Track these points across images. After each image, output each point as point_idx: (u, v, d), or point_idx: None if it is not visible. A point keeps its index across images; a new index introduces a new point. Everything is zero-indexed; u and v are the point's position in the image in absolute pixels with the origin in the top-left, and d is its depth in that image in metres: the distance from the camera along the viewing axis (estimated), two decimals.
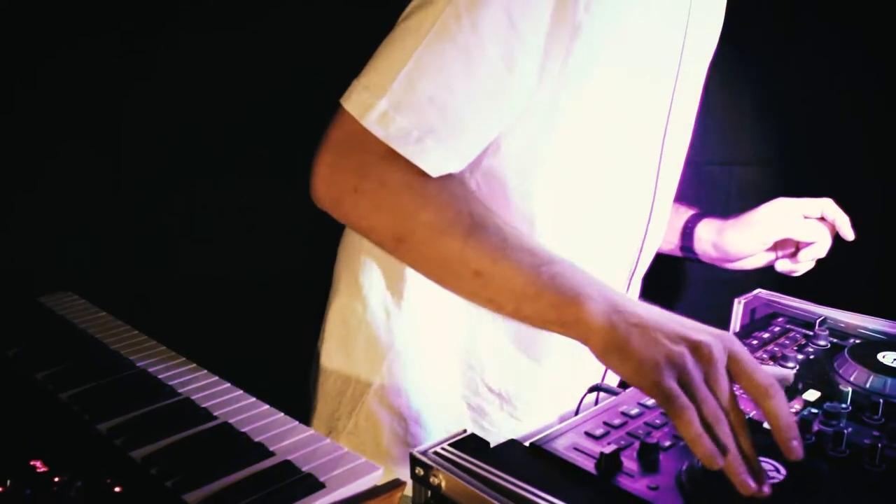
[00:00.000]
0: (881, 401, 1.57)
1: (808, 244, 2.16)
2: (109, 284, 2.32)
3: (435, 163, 1.57)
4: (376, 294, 2.02)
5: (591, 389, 1.77)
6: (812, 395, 1.65)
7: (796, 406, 1.61)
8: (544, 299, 1.45)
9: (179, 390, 1.66)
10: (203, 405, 1.60)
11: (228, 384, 1.69)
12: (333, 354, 2.12)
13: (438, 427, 1.99)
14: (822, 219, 2.15)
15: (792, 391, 1.66)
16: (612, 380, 1.88)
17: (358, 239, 2.05)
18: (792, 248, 2.21)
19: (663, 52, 1.78)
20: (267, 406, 1.60)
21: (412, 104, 1.55)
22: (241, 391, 1.66)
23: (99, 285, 2.16)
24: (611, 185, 1.87)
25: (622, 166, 1.87)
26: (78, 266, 2.57)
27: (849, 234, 2.14)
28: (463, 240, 1.52)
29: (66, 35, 2.55)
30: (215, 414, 1.57)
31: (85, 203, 2.65)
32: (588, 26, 1.59)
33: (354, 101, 1.57)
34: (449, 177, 1.61)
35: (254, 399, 1.63)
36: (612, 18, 1.64)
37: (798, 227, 2.14)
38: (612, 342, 1.36)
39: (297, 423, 1.54)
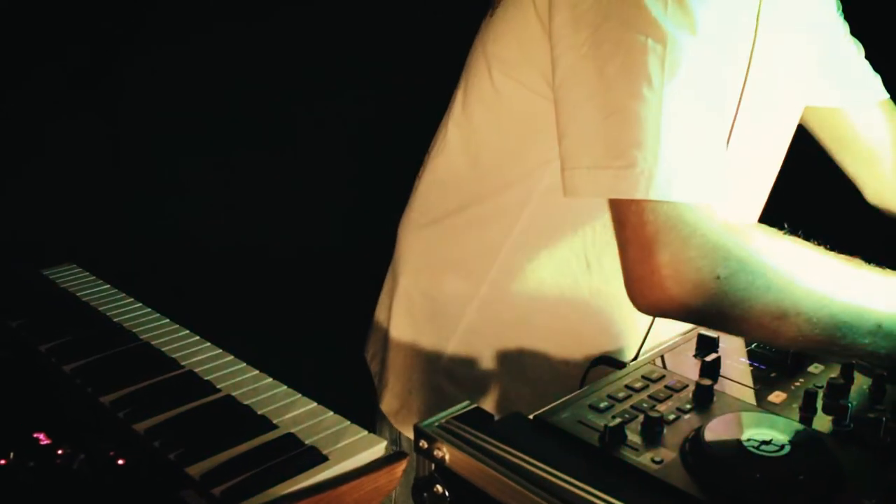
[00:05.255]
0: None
1: None
2: (113, 257, 2.32)
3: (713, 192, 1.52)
4: (450, 275, 2.02)
5: (595, 362, 1.76)
6: (816, 368, 1.65)
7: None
8: None
9: (182, 363, 1.66)
10: (206, 378, 1.60)
11: (231, 357, 1.69)
12: (402, 330, 2.13)
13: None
14: None
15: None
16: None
17: (420, 216, 2.06)
18: None
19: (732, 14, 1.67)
20: (270, 379, 1.60)
21: (686, 154, 1.47)
22: (245, 364, 1.66)
23: (102, 258, 2.16)
24: None
25: None
26: (81, 238, 2.57)
27: None
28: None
29: (72, 11, 2.54)
30: (218, 387, 1.57)
31: (88, 176, 2.65)
32: None
33: (632, 185, 1.45)
34: None
35: (257, 372, 1.63)
36: None
37: None
38: None
39: (300, 395, 1.54)
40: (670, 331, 1.80)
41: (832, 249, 1.59)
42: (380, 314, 2.23)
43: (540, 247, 1.89)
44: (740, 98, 1.65)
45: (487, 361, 1.99)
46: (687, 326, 1.78)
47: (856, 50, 2.16)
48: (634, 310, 1.52)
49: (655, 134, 1.43)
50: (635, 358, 1.76)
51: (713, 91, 1.52)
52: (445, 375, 2.03)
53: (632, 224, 1.47)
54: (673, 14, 1.44)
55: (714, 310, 1.47)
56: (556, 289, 1.91)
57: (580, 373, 1.82)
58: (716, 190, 1.49)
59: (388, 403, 2.13)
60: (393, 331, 2.14)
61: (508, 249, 1.90)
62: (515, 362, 1.98)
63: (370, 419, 2.17)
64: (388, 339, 2.15)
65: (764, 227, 1.58)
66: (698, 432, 1.32)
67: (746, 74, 1.66)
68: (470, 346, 2.00)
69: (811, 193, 2.31)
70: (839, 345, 1.50)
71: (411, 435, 2.04)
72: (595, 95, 1.49)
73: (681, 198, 1.44)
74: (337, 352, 2.55)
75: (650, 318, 1.81)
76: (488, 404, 1.98)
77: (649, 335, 1.83)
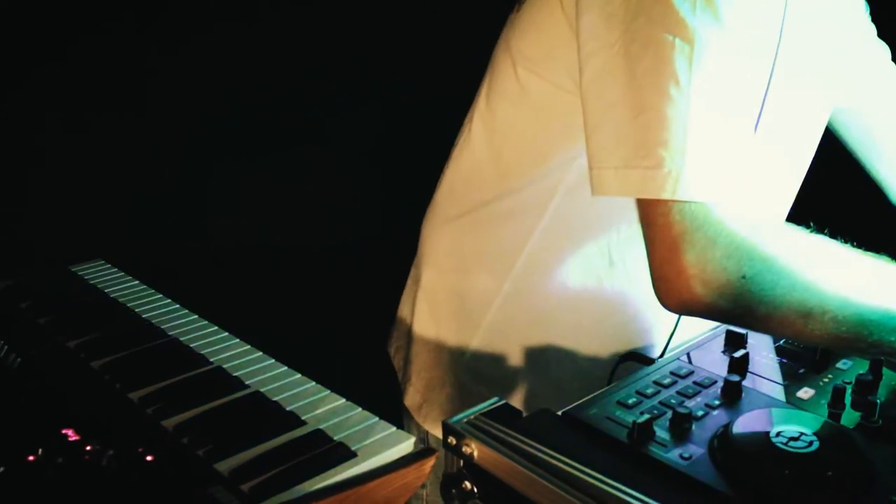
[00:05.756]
0: None
1: None
2: (142, 253, 2.32)
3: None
4: (473, 270, 2.02)
5: (624, 359, 1.76)
6: (845, 364, 1.64)
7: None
8: None
9: (211, 359, 1.66)
10: (235, 374, 1.60)
11: (260, 353, 1.69)
12: (425, 326, 2.13)
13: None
14: None
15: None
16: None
17: (443, 211, 2.07)
18: None
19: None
20: (299, 375, 1.60)
21: (713, 154, 1.46)
22: (273, 360, 1.66)
23: (131, 254, 2.17)
24: None
25: None
26: (110, 235, 2.58)
27: None
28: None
29: (99, 7, 2.55)
30: (247, 383, 1.57)
31: (118, 172, 2.66)
32: None
33: (659, 186, 1.45)
34: None
35: (285, 368, 1.63)
36: None
37: None
38: None
39: (328, 392, 1.54)
40: (697, 328, 1.80)
41: (858, 248, 1.58)
42: (403, 309, 2.24)
43: (564, 244, 1.89)
44: (765, 96, 1.65)
45: (511, 358, 1.99)
46: (714, 323, 1.78)
47: (883, 52, 2.15)
48: (658, 307, 1.51)
49: (682, 134, 1.43)
50: (662, 354, 1.76)
51: (740, 90, 1.52)
52: (468, 371, 2.03)
53: (658, 224, 1.46)
54: (701, 13, 1.43)
55: (740, 309, 1.47)
56: (579, 286, 1.91)
57: (603, 371, 1.82)
58: (742, 189, 1.48)
59: (411, 398, 2.14)
60: (416, 326, 2.14)
61: (532, 246, 1.90)
62: (539, 359, 1.98)
63: (397, 415, 2.17)
64: (411, 335, 2.16)
65: (791, 225, 1.57)
66: (727, 428, 1.32)
67: (771, 72, 1.65)
68: (493, 343, 2.00)
69: (837, 194, 2.30)
70: (866, 342, 1.50)
71: (433, 429, 2.05)
72: (624, 95, 1.48)
73: (707, 198, 1.44)
74: (363, 348, 2.55)
75: (674, 316, 1.81)
76: (512, 401, 1.98)
77: (676, 332, 1.83)
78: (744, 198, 1.48)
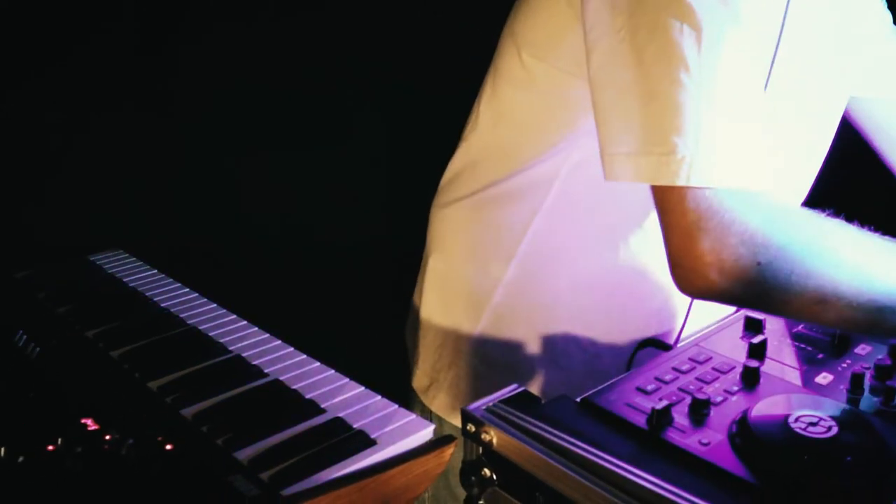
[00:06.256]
0: None
1: None
2: (160, 242, 2.33)
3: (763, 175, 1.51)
4: (478, 253, 2.03)
5: (643, 345, 1.76)
6: (863, 349, 1.64)
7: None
8: None
9: (230, 348, 1.67)
10: (254, 362, 1.61)
11: (279, 341, 1.69)
12: (433, 308, 2.14)
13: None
14: None
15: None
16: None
17: (448, 194, 2.07)
18: None
19: None
20: (318, 363, 1.61)
21: (725, 139, 1.46)
22: (292, 348, 1.67)
23: (149, 243, 2.17)
24: None
25: None
26: (129, 224, 2.59)
27: None
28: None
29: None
30: (266, 371, 1.58)
31: (136, 162, 2.67)
32: None
33: (673, 172, 1.45)
34: None
35: (304, 356, 1.64)
36: None
37: None
38: None
39: (347, 379, 1.54)
40: (711, 314, 1.80)
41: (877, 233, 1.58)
42: (416, 293, 2.24)
43: (569, 226, 1.89)
44: (768, 78, 1.65)
45: (517, 342, 1.99)
46: (731, 309, 1.78)
47: None
48: (668, 293, 1.52)
49: (695, 120, 1.43)
50: (678, 340, 1.76)
51: (750, 74, 1.52)
52: (475, 354, 2.03)
53: (674, 211, 1.46)
54: None
55: (756, 296, 1.47)
56: (585, 270, 1.90)
57: (613, 357, 1.82)
58: (757, 174, 1.48)
59: (418, 380, 2.14)
60: (423, 310, 2.14)
61: (537, 227, 1.90)
62: (546, 344, 1.98)
63: (409, 402, 2.18)
64: (419, 317, 2.16)
65: (807, 210, 1.57)
66: (745, 414, 1.32)
67: (775, 55, 1.65)
68: (500, 326, 1.99)
69: (855, 183, 2.29)
70: (882, 328, 1.50)
71: (440, 411, 2.06)
72: (634, 82, 1.48)
73: (721, 183, 1.43)
74: (382, 335, 2.56)
75: (685, 300, 1.81)
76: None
77: (690, 317, 1.82)
78: (758, 184, 1.48)
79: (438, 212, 2.13)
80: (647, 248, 1.60)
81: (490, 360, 2.01)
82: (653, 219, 1.52)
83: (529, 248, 1.92)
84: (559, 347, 1.96)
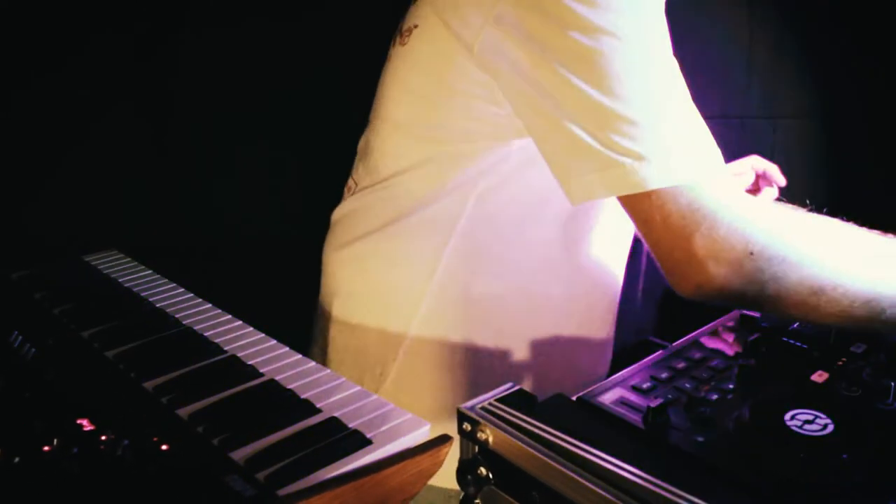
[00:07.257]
0: None
1: None
2: (155, 242, 2.33)
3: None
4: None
5: (638, 344, 1.77)
6: (859, 347, 1.65)
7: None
8: None
9: (225, 348, 1.66)
10: (249, 362, 1.60)
11: (274, 341, 1.69)
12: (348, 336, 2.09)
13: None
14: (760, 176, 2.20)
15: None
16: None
17: (345, 234, 2.08)
18: None
19: None
20: (314, 363, 1.60)
21: (682, 135, 1.49)
22: (288, 348, 1.66)
23: (144, 243, 2.17)
24: None
25: None
26: (123, 224, 2.59)
27: (780, 180, 2.22)
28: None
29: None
30: (261, 371, 1.57)
31: (131, 161, 2.66)
32: None
33: (653, 177, 1.46)
34: None
35: (300, 356, 1.63)
36: None
37: None
38: None
39: (343, 379, 1.54)
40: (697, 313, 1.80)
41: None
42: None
43: (477, 263, 1.90)
44: None
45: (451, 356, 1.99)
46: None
47: None
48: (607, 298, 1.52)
49: (650, 124, 1.45)
50: (677, 339, 1.77)
51: (675, 70, 1.55)
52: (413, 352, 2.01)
53: (654, 217, 1.47)
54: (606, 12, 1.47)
55: (752, 288, 1.48)
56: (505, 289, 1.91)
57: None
58: (718, 162, 1.50)
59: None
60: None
61: (446, 265, 1.90)
62: (463, 372, 1.98)
63: None
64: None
65: (784, 204, 1.58)
66: (741, 412, 1.32)
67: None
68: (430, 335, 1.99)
69: (854, 181, 2.30)
70: (880, 320, 1.50)
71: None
72: (575, 108, 1.50)
73: (694, 177, 1.45)
74: None
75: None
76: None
77: (681, 318, 1.83)
78: (720, 171, 1.49)
79: (334, 253, 2.12)
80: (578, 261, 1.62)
81: (430, 358, 1.99)
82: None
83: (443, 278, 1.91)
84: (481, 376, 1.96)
